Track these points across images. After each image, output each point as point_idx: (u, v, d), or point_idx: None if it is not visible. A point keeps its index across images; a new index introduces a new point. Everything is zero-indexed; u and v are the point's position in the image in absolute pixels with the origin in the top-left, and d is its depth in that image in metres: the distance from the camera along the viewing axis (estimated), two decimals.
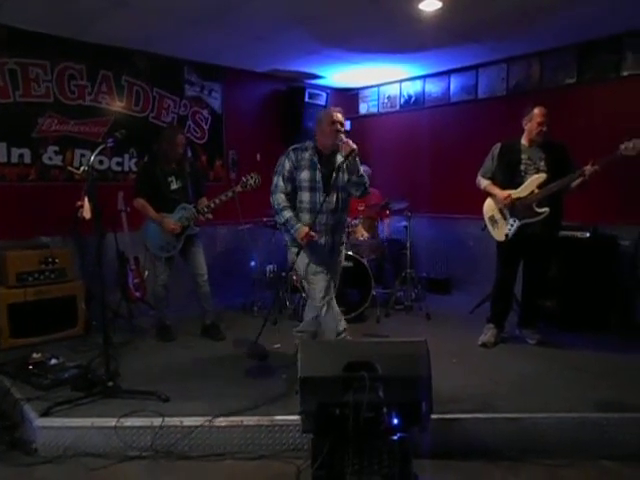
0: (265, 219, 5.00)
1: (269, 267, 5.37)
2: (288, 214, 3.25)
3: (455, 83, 5.77)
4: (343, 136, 3.10)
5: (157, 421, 2.65)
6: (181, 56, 5.25)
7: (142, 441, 2.62)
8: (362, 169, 3.24)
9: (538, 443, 2.64)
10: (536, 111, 3.67)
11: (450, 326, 4.41)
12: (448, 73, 5.80)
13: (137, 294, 4.46)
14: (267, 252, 5.47)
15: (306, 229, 3.15)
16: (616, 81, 4.57)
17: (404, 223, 5.01)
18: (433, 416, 2.51)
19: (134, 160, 5.02)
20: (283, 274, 4.86)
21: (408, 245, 4.93)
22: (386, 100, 6.47)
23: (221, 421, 2.63)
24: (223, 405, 2.80)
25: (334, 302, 3.33)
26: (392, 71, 5.88)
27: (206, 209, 3.95)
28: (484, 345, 3.85)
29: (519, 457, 2.58)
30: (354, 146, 3.05)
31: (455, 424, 2.64)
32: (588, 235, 4.26)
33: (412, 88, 6.18)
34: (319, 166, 3.22)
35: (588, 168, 3.42)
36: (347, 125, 6.90)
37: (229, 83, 5.73)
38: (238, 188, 3.90)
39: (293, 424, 2.54)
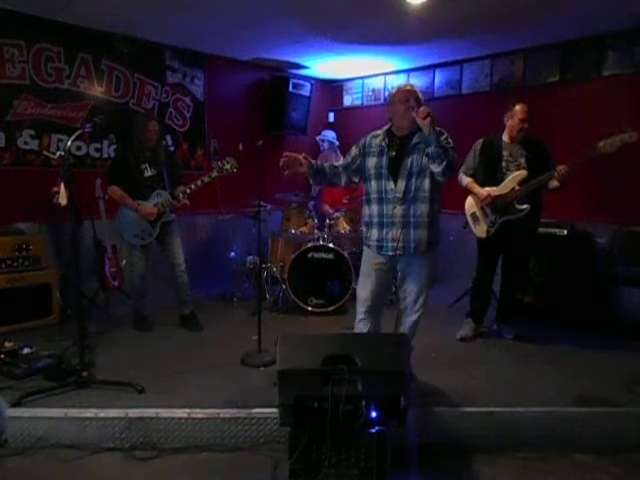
0: (246, 209, 4.96)
1: (249, 258, 5.33)
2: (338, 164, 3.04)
3: (439, 77, 5.77)
4: (422, 112, 2.55)
5: (132, 412, 2.61)
6: (163, 41, 5.14)
7: (117, 432, 2.58)
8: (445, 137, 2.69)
9: (513, 437, 2.68)
10: (517, 108, 3.69)
11: (430, 320, 4.34)
12: (433, 67, 5.79)
13: (114, 283, 4.38)
14: (248, 243, 5.43)
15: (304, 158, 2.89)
16: (597, 81, 4.62)
17: None
18: (411, 410, 2.54)
19: (113, 147, 4.91)
20: (263, 265, 4.82)
21: None
22: (370, 93, 6.44)
23: (198, 413, 2.61)
24: (200, 396, 2.77)
25: (379, 318, 3.01)
26: (377, 64, 5.85)
27: (182, 195, 3.90)
28: (463, 339, 3.89)
29: (495, 450, 2.61)
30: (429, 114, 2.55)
31: (432, 417, 2.66)
32: (566, 232, 4.31)
33: (396, 81, 6.14)
34: (387, 150, 2.82)
35: (560, 167, 3.45)
36: (331, 117, 6.92)
37: (212, 70, 5.63)
38: (214, 173, 3.91)
39: (271, 417, 2.53)
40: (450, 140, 2.73)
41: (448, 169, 2.67)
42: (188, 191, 3.92)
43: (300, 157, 2.89)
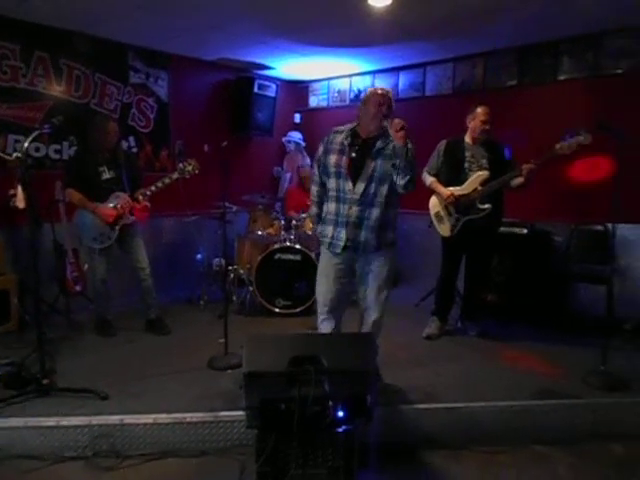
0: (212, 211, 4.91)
1: (216, 260, 5.29)
2: (312, 211, 3.09)
3: (404, 80, 5.85)
4: (397, 124, 2.58)
5: (95, 420, 2.55)
6: (125, 41, 5.04)
7: (79, 441, 2.52)
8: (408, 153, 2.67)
9: (477, 431, 2.75)
10: (479, 110, 3.79)
11: (396, 319, 4.44)
12: (397, 70, 5.87)
13: (77, 287, 4.27)
14: (214, 245, 5.38)
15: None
16: (553, 84, 4.78)
17: None
18: (378, 407, 2.58)
19: (74, 148, 4.78)
20: (230, 267, 4.79)
21: None
22: (336, 94, 6.48)
23: (163, 418, 2.57)
24: (166, 401, 2.73)
25: (340, 317, 3.03)
26: (342, 65, 5.89)
27: (141, 197, 3.84)
28: (428, 337, 3.96)
29: (460, 445, 2.67)
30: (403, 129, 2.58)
31: (398, 415, 2.70)
32: (526, 231, 4.45)
33: (362, 83, 6.22)
34: (347, 149, 2.83)
35: (525, 166, 3.56)
36: (297, 118, 6.93)
37: (176, 71, 5.56)
38: (175, 175, 3.88)
39: (238, 420, 2.52)
40: (414, 153, 2.75)
41: (410, 183, 2.75)
42: (148, 193, 3.86)
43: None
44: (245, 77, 5.96)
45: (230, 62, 5.80)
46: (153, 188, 3.87)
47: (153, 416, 2.57)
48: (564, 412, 2.81)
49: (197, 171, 3.94)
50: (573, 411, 2.82)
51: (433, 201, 4.00)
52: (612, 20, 4.16)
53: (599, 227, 4.26)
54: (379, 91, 2.84)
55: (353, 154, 2.81)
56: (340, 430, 2.24)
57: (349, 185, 2.81)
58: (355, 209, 2.81)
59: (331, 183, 2.90)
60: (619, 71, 4.42)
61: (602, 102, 4.42)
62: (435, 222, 4.00)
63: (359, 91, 6.24)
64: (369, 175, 2.79)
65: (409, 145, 2.65)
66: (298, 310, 4.52)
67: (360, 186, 2.80)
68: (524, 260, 4.42)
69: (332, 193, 2.90)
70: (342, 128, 2.93)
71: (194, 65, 5.70)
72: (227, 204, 4.72)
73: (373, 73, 6.09)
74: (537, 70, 4.86)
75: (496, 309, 4.45)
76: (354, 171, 2.81)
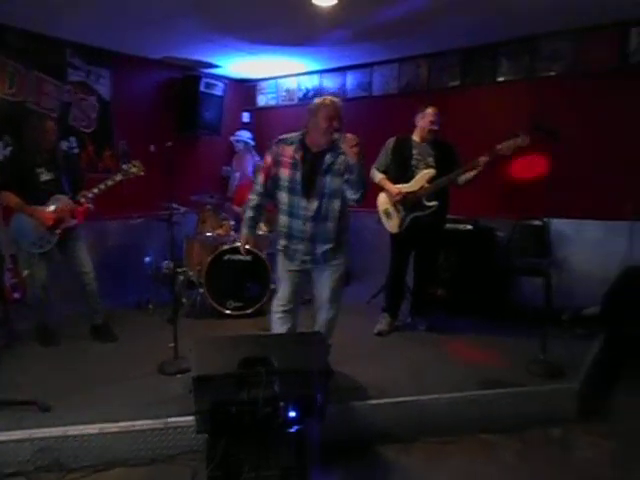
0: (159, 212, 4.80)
1: (165, 263, 5.16)
2: (247, 214, 3.06)
3: (351, 79, 5.91)
4: (351, 140, 2.58)
5: (37, 433, 2.44)
6: (63, 37, 4.83)
7: (20, 456, 2.41)
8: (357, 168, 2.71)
9: (427, 423, 2.82)
10: (429, 111, 3.87)
11: (348, 316, 4.45)
12: (344, 69, 5.92)
13: (15, 295, 4.04)
14: (162, 247, 5.25)
15: (245, 239, 3.09)
16: (493, 86, 4.97)
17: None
18: (330, 406, 2.59)
19: (9, 148, 4.55)
20: (179, 269, 4.70)
21: None
22: (284, 93, 6.47)
23: (110, 427, 2.50)
24: (113, 410, 2.65)
25: (296, 318, 3.04)
26: (290, 64, 5.89)
27: (83, 199, 3.70)
28: (379, 334, 4.01)
29: (411, 438, 2.73)
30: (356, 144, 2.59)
31: (351, 412, 2.73)
32: (471, 227, 4.59)
33: (310, 82, 6.24)
34: (301, 165, 2.79)
35: (482, 159, 3.64)
36: (246, 117, 6.87)
37: (119, 69, 5.39)
38: (118, 177, 3.75)
39: (188, 425, 2.47)
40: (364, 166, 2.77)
41: (362, 197, 2.80)
42: (90, 195, 3.72)
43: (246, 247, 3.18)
44: (192, 76, 5.85)
45: (176, 61, 5.68)
46: (96, 190, 3.73)
47: (99, 426, 2.49)
48: (509, 400, 2.93)
49: (142, 173, 3.83)
50: (517, 399, 2.94)
51: (381, 198, 4.07)
52: (545, 24, 4.36)
53: (538, 222, 4.44)
54: (327, 101, 2.75)
55: (307, 168, 2.79)
56: (292, 430, 2.24)
57: (304, 202, 2.81)
58: (309, 225, 2.83)
59: (283, 197, 2.88)
60: (552, 73, 4.64)
61: (538, 103, 4.62)
62: (384, 219, 4.06)
63: (307, 90, 6.26)
64: (321, 192, 2.80)
65: (362, 161, 2.67)
66: (250, 311, 4.49)
67: (314, 203, 2.80)
68: (469, 255, 4.57)
69: (285, 207, 2.89)
70: (290, 138, 2.87)
71: (138, 63, 5.54)
72: (174, 205, 4.63)
73: (321, 72, 6.12)
74: (478, 71, 5.02)
75: (444, 303, 4.57)
76: (307, 187, 2.80)
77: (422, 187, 3.84)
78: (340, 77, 5.98)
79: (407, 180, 3.89)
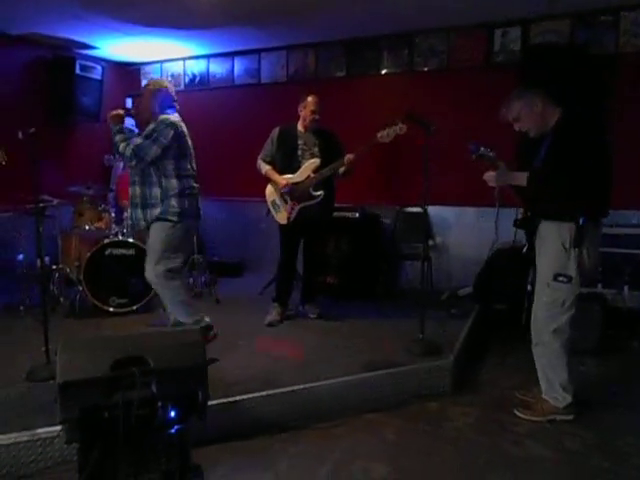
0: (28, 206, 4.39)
1: (39, 259, 4.74)
2: None
3: (239, 65, 5.80)
4: None
5: None
6: None
7: None
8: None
9: (316, 410, 2.86)
10: (309, 99, 3.90)
11: (239, 309, 4.48)
12: (232, 55, 5.80)
13: None
14: (35, 243, 4.82)
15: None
16: (377, 77, 5.14)
17: None
18: (216, 401, 2.54)
19: None
20: (54, 267, 4.35)
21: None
22: (170, 78, 6.18)
23: None
24: None
25: None
26: (175, 48, 5.65)
27: None
28: (270, 324, 4.00)
29: (299, 426, 2.75)
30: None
31: (237, 406, 2.69)
32: (357, 215, 4.74)
33: (197, 67, 6.03)
34: None
35: (347, 157, 3.75)
36: (129, 103, 6.46)
37: None
38: None
39: (59, 435, 2.29)
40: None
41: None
42: None
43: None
44: (64, 56, 5.40)
45: (44, 38, 5.20)
46: None
47: None
48: (391, 380, 3.07)
49: (4, 162, 3.46)
50: (398, 378, 3.09)
51: (269, 189, 4.05)
52: (419, 21, 4.57)
53: (419, 209, 4.69)
54: None
55: None
56: (172, 431, 2.17)
57: None
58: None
59: None
60: (426, 69, 4.90)
61: (415, 96, 4.86)
62: (272, 210, 4.06)
63: (194, 76, 6.05)
64: None
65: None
66: (135, 307, 4.27)
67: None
68: (357, 242, 4.72)
69: None
70: None
71: None
72: (46, 197, 4.27)
73: (208, 57, 5.95)
74: (363, 63, 5.17)
75: (334, 290, 4.69)
76: None
77: (308, 177, 3.87)
78: (228, 62, 5.85)
79: (293, 170, 3.90)
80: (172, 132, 3.10)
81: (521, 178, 2.68)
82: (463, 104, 4.72)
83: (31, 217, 4.55)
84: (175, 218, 3.15)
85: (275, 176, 3.94)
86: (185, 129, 3.26)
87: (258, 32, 5.00)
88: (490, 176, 2.78)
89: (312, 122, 3.90)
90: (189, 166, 3.28)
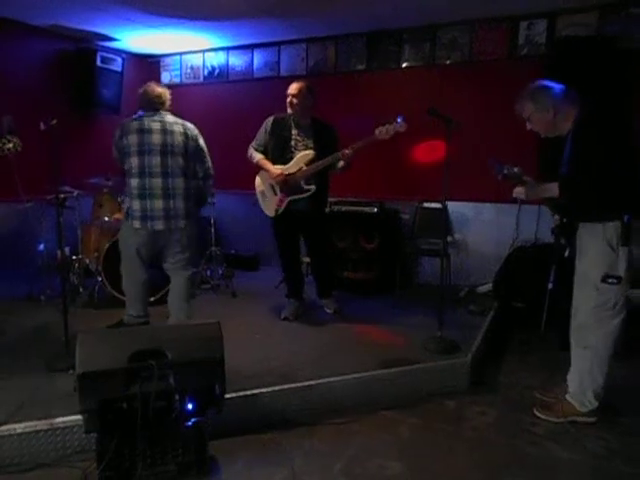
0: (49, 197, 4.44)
1: (59, 250, 4.80)
2: None
3: (258, 58, 5.78)
4: None
5: None
6: None
7: None
8: None
9: (331, 405, 2.85)
10: (291, 85, 3.79)
11: (256, 302, 4.48)
12: (251, 47, 5.77)
13: None
14: (55, 233, 4.88)
15: None
16: (398, 71, 5.07)
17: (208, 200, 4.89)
18: (233, 394, 2.55)
19: None
20: (75, 257, 4.39)
21: (212, 222, 4.87)
22: (189, 70, 6.19)
23: None
24: None
25: None
26: (195, 40, 5.64)
27: None
28: (286, 319, 3.96)
29: (314, 421, 2.75)
30: None
31: (253, 399, 2.70)
32: (376, 210, 4.70)
33: (216, 60, 6.02)
34: None
35: (344, 151, 3.62)
36: None
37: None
38: None
39: (78, 424, 2.32)
40: None
41: None
42: None
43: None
44: (86, 48, 5.43)
45: (67, 30, 5.24)
46: None
47: None
48: (407, 378, 3.04)
49: (19, 149, 3.46)
50: (415, 376, 3.06)
51: (258, 180, 3.98)
52: (443, 13, 4.49)
53: (438, 205, 4.63)
54: None
55: None
56: (189, 424, 2.18)
57: None
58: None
59: None
60: (448, 62, 4.82)
61: (437, 89, 4.78)
62: (260, 200, 3.98)
63: (213, 68, 6.04)
64: None
65: None
66: (153, 299, 4.29)
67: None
68: (376, 237, 4.68)
69: None
70: None
71: (22, 30, 5.04)
72: (67, 188, 4.32)
73: (227, 49, 5.93)
74: (383, 56, 5.11)
75: (353, 285, 4.67)
76: None
77: (300, 169, 3.75)
78: (247, 55, 5.83)
79: (286, 162, 3.78)
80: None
81: (552, 189, 2.55)
82: (485, 97, 4.64)
83: (52, 208, 4.62)
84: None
85: (268, 165, 3.82)
86: (144, 126, 3.49)
87: (278, 24, 4.96)
88: (520, 192, 2.68)
89: (290, 107, 3.74)
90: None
